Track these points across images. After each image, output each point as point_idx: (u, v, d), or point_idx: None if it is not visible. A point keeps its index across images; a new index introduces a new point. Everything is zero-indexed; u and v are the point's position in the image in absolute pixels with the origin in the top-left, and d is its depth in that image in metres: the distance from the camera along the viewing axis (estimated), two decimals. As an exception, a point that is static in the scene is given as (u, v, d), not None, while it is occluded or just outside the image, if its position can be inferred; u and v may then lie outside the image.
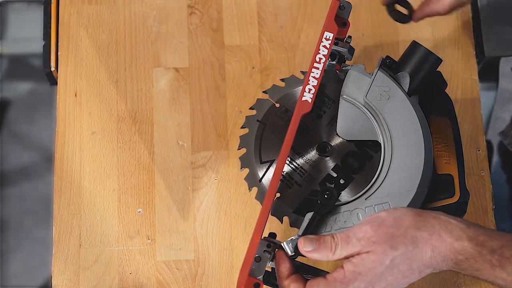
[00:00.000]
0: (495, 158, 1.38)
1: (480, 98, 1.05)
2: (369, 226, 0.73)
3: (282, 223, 0.82)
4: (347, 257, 0.73)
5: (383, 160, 0.82)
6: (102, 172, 1.01)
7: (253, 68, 1.06)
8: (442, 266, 0.73)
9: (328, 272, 0.78)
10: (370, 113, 0.83)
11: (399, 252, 0.72)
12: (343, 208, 0.80)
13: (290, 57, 1.07)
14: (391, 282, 0.72)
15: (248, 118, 0.87)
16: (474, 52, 1.08)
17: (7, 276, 1.80)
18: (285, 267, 0.76)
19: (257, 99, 0.88)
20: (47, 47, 1.07)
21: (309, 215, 0.78)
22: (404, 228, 0.73)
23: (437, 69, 0.86)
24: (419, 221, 0.73)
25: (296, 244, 0.76)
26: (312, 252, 0.74)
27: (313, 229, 0.78)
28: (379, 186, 0.81)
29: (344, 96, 0.84)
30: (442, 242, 0.72)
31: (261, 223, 0.75)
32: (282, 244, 0.77)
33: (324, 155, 0.83)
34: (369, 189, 0.81)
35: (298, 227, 0.79)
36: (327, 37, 0.82)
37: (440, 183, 0.84)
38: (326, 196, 0.79)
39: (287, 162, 0.83)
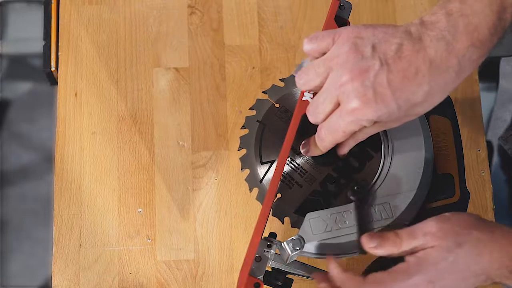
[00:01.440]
0: (495, 158, 1.38)
1: (480, 98, 1.05)
2: (434, 222, 0.73)
3: (283, 223, 0.82)
4: (411, 252, 0.73)
5: (383, 160, 0.82)
6: (102, 172, 1.01)
7: (253, 68, 1.06)
8: (496, 275, 0.72)
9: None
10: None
11: (462, 251, 0.71)
12: (343, 208, 0.80)
13: (290, 57, 1.07)
14: (449, 284, 0.72)
15: (248, 118, 0.87)
16: (474, 52, 1.07)
17: (7, 276, 1.80)
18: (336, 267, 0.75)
19: (257, 99, 0.88)
20: (47, 47, 1.07)
21: (309, 215, 0.78)
22: (468, 228, 0.72)
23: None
24: (481, 225, 0.73)
25: (296, 244, 0.76)
26: (376, 248, 0.74)
27: (363, 222, 0.79)
28: (379, 186, 0.81)
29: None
30: (501, 248, 0.72)
31: (262, 223, 0.75)
32: (282, 244, 0.77)
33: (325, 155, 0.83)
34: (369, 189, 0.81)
35: (299, 228, 0.79)
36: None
37: (440, 183, 0.84)
38: (356, 188, 0.79)
39: (288, 162, 0.83)
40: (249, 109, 0.88)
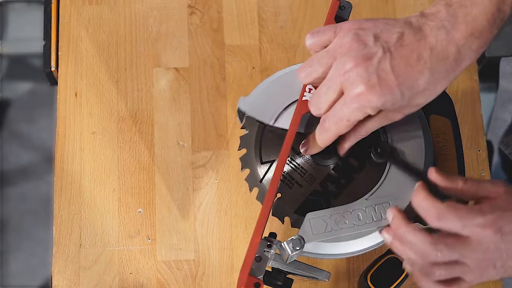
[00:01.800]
0: (495, 158, 1.39)
1: (480, 98, 1.05)
2: (500, 180, 0.73)
3: (283, 223, 0.82)
4: (476, 195, 0.73)
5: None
6: (102, 172, 1.01)
7: (253, 68, 1.06)
8: None
9: (329, 273, 0.78)
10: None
11: None
12: (343, 208, 0.80)
13: (291, 57, 1.07)
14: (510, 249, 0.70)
15: (248, 118, 0.87)
16: (474, 52, 1.07)
17: (7, 276, 1.81)
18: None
19: (258, 99, 0.88)
20: (47, 47, 1.07)
21: (309, 215, 0.78)
22: None
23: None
24: None
25: (296, 244, 0.76)
26: (444, 180, 0.74)
27: (411, 167, 0.80)
28: (379, 186, 0.81)
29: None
30: None
31: (262, 223, 0.75)
32: (282, 244, 0.77)
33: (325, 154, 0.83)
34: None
35: (299, 228, 0.79)
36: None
37: (440, 183, 0.84)
38: (380, 150, 0.80)
39: (288, 162, 0.83)
40: (249, 109, 0.88)
